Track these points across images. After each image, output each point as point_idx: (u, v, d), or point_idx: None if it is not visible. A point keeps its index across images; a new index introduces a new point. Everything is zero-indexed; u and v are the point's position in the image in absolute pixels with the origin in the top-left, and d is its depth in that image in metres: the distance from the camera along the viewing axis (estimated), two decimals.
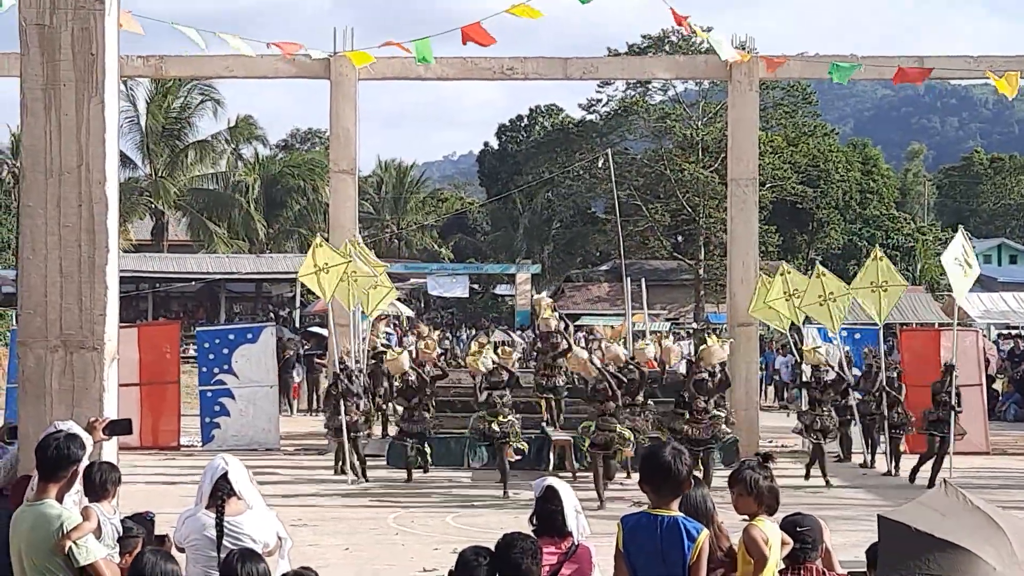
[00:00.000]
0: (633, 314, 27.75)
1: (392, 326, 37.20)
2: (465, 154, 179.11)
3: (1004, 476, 19.52)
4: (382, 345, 22.45)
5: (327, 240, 21.54)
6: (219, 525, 6.75)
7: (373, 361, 22.42)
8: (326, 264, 19.98)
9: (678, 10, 19.35)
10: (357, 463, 19.29)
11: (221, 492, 6.83)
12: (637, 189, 59.74)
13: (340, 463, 19.66)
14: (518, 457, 18.43)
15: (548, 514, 6.60)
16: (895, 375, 21.11)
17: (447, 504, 17.39)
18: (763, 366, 32.51)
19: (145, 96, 60.10)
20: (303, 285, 31.72)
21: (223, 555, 6.51)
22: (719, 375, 18.65)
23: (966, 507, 5.60)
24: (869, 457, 21.42)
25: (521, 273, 60.14)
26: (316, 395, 30.52)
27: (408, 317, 51.86)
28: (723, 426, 18.38)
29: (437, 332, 28.36)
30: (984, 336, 32.18)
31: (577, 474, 18.79)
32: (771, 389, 36.64)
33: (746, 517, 6.72)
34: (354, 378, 19.84)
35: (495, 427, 18.16)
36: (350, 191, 24.10)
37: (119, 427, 7.71)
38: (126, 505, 7.84)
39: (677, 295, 60.55)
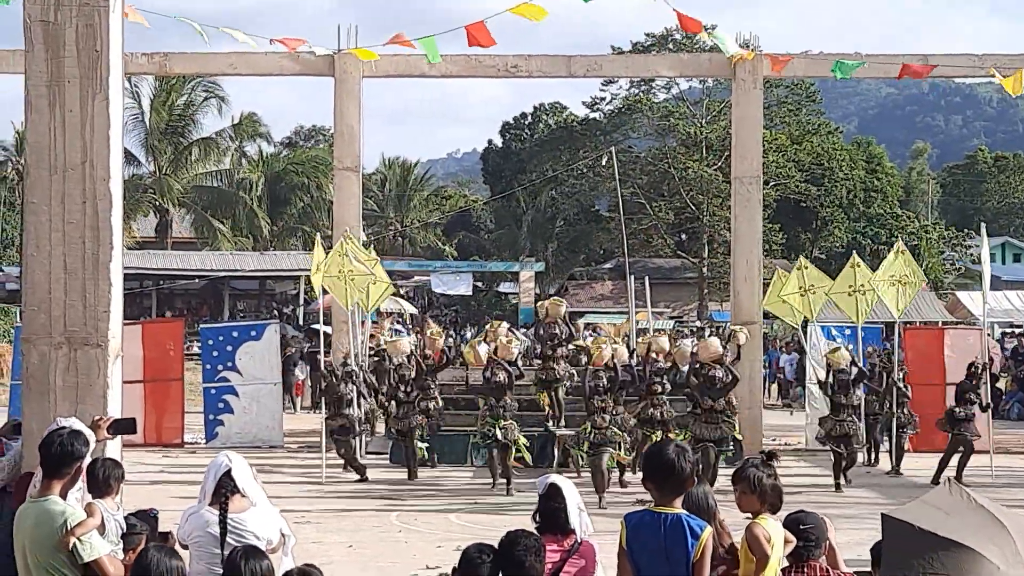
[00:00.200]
0: (637, 312, 27.73)
1: (397, 323, 37.23)
2: (469, 152, 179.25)
3: (1008, 475, 19.50)
4: (385, 343, 22.43)
5: (329, 238, 21.58)
6: (223, 522, 6.75)
7: (376, 359, 22.42)
8: (320, 264, 20.15)
9: (679, 9, 19.32)
10: (352, 462, 19.41)
11: (225, 489, 6.83)
12: (641, 187, 59.74)
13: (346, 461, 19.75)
14: (519, 464, 18.35)
15: (551, 512, 6.60)
16: (902, 375, 21.06)
17: (451, 501, 17.39)
18: (766, 364, 32.50)
19: (149, 93, 60.17)
20: (307, 282, 31.77)
21: (226, 552, 6.50)
22: (724, 374, 17.96)
23: (970, 505, 5.59)
24: (872, 456, 21.43)
25: (525, 271, 60.13)
26: (320, 392, 30.54)
27: (412, 314, 51.95)
28: (730, 424, 17.96)
29: (441, 329, 28.36)
30: (988, 335, 32.16)
31: (582, 471, 18.76)
32: (775, 387, 36.63)
33: (749, 515, 6.71)
34: (354, 378, 19.84)
35: (498, 433, 17.93)
36: (354, 188, 24.11)
37: (123, 426, 7.72)
38: (130, 502, 7.85)
39: (681, 293, 60.55)
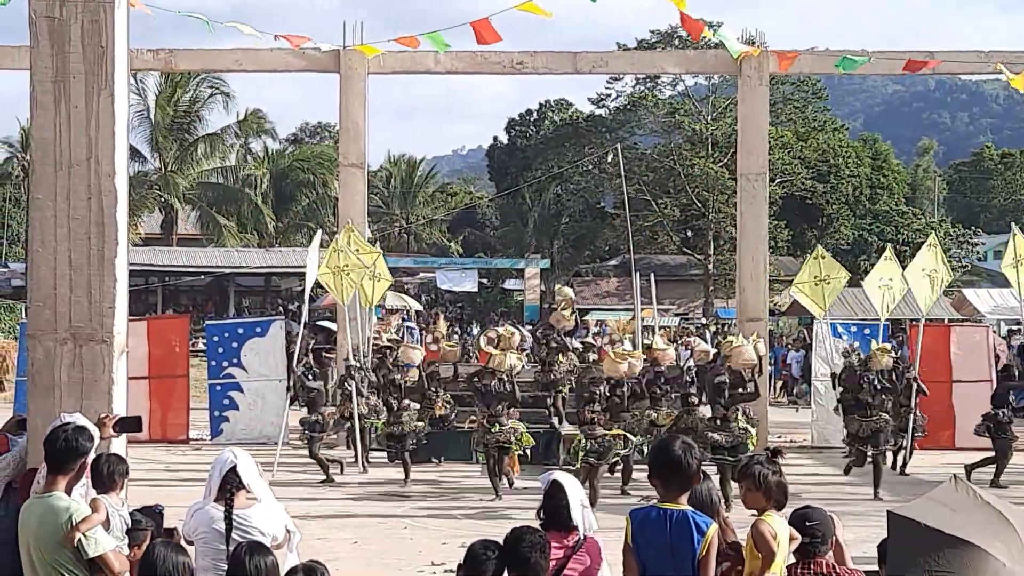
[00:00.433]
0: (642, 309, 27.75)
1: (405, 319, 37.21)
2: (474, 148, 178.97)
3: (1014, 472, 19.46)
4: (388, 340, 22.41)
5: (333, 235, 21.61)
6: (228, 518, 6.75)
7: (379, 356, 22.41)
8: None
9: (683, 9, 19.27)
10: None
11: (230, 485, 6.83)
12: (646, 184, 59.72)
13: (355, 455, 19.78)
14: (521, 469, 18.13)
15: (553, 509, 6.60)
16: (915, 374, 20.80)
17: (456, 498, 17.39)
18: (772, 361, 32.47)
19: (154, 89, 60.14)
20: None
21: (232, 548, 6.50)
22: (748, 383, 17.11)
23: (976, 502, 5.58)
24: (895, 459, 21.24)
25: (530, 268, 60.10)
26: (324, 389, 30.54)
27: (417, 311, 51.90)
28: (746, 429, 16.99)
29: (447, 326, 28.36)
30: (994, 332, 32.10)
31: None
32: (780, 384, 36.60)
33: (755, 512, 6.70)
34: (352, 373, 19.86)
35: (492, 435, 17.42)
36: (359, 185, 24.11)
37: (129, 424, 7.72)
38: (134, 498, 7.85)
39: (686, 290, 60.54)
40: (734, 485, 14.26)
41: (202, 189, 63.40)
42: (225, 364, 23.74)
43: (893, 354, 19.56)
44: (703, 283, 59.76)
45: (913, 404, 19.83)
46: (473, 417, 18.90)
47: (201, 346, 31.32)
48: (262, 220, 65.35)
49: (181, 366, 23.98)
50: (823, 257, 22.20)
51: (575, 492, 6.63)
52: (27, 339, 8.29)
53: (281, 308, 53.45)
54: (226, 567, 6.44)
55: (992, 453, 19.09)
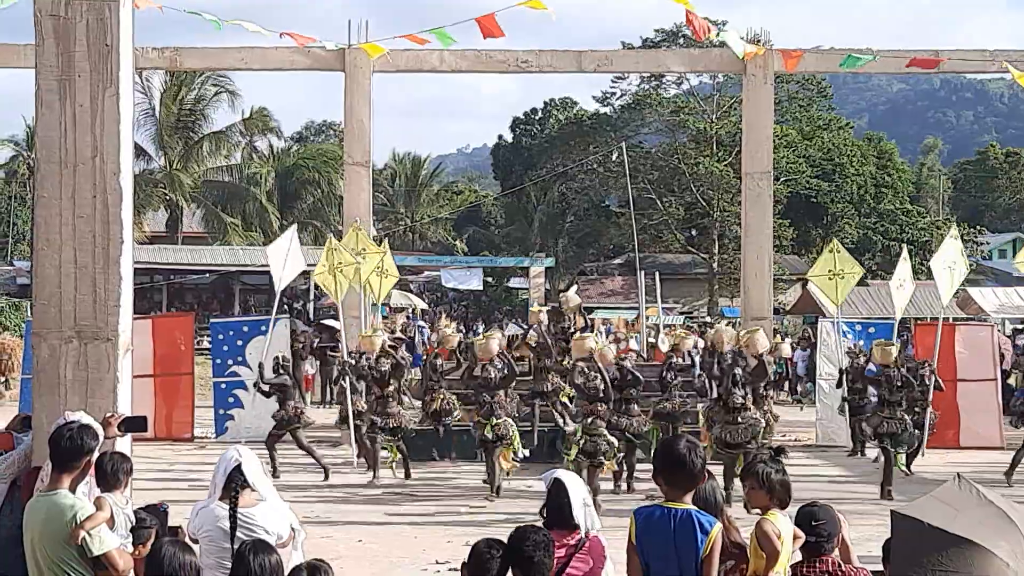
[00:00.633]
0: (647, 307, 27.74)
1: (412, 318, 37.21)
2: (479, 147, 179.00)
3: (1018, 471, 19.42)
4: (391, 339, 22.36)
5: (339, 233, 21.65)
6: (232, 517, 6.76)
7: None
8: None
9: (688, 8, 19.28)
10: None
11: (235, 484, 6.84)
12: (651, 183, 59.74)
13: (358, 453, 19.80)
14: (516, 465, 17.89)
15: (556, 507, 6.60)
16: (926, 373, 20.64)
17: (460, 497, 17.39)
18: (776, 360, 32.42)
19: (160, 88, 60.18)
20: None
21: (236, 546, 6.51)
22: (754, 363, 16.96)
23: (980, 501, 5.58)
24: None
25: (535, 266, 60.07)
26: (329, 387, 30.58)
27: (423, 310, 51.94)
28: (761, 424, 16.82)
29: (453, 323, 28.31)
30: (999, 331, 32.04)
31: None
32: (784, 383, 36.55)
33: (758, 511, 6.70)
34: (347, 369, 19.85)
35: (488, 433, 17.13)
36: (364, 183, 24.12)
37: (134, 424, 7.72)
38: (139, 497, 7.85)
39: (691, 289, 60.55)
40: (736, 484, 14.28)
41: (207, 187, 63.45)
42: (230, 362, 23.73)
43: (895, 353, 19.45)
44: (708, 282, 59.77)
45: (928, 400, 19.76)
46: (470, 408, 18.73)
47: (206, 344, 31.33)
48: (267, 218, 65.37)
49: (186, 364, 23.99)
50: (838, 251, 22.12)
51: (577, 491, 6.62)
52: (32, 337, 8.30)
53: (286, 306, 53.47)
54: (230, 566, 6.44)
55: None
